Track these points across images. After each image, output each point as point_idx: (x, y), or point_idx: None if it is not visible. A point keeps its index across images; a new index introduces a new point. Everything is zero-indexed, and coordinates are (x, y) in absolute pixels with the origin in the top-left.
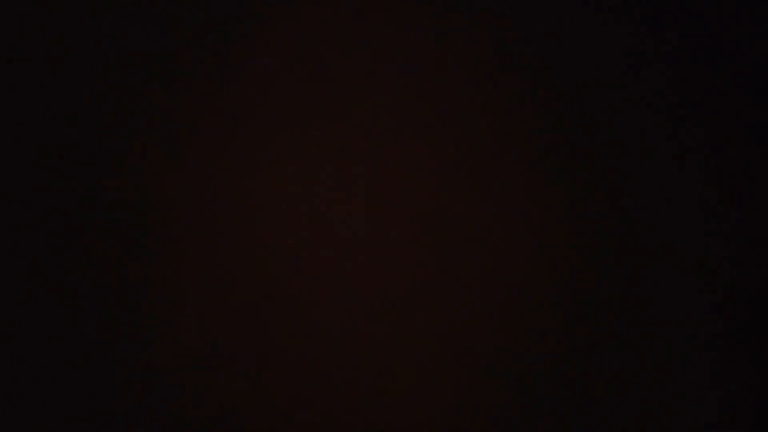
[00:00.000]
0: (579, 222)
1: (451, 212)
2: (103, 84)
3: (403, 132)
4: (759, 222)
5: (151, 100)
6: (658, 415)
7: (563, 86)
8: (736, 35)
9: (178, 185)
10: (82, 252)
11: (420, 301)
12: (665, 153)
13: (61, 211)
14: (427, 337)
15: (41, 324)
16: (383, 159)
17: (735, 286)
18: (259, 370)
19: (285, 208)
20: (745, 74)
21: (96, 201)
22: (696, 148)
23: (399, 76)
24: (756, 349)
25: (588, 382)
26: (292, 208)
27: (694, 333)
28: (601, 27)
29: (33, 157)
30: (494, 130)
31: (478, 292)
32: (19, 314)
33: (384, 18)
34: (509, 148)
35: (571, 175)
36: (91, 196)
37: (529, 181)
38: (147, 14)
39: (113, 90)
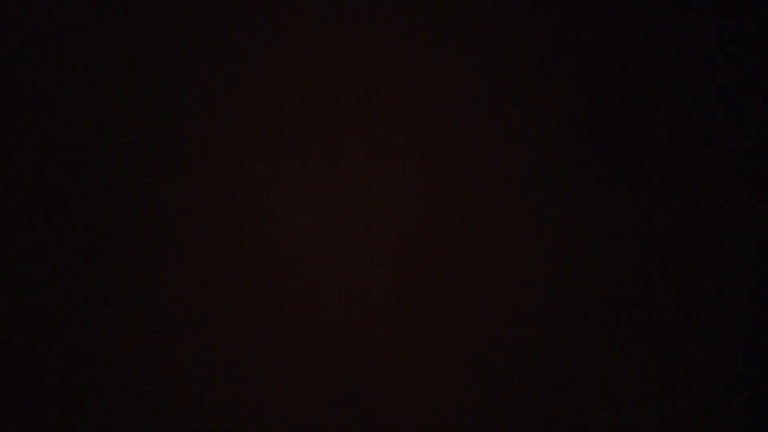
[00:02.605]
0: (584, 225)
1: (454, 214)
2: (101, 82)
3: (407, 131)
4: (762, 224)
5: (150, 98)
6: (663, 418)
7: (567, 87)
8: (738, 35)
9: (177, 183)
10: (82, 253)
11: (424, 302)
12: (669, 154)
13: (61, 212)
14: (430, 339)
15: (40, 324)
16: (384, 159)
17: (740, 287)
18: (260, 372)
19: (287, 206)
20: (749, 72)
21: (96, 202)
22: (700, 148)
23: (402, 75)
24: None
25: (591, 384)
26: (293, 207)
27: (700, 335)
28: (607, 26)
29: (31, 158)
30: (500, 129)
31: (482, 294)
32: (16, 315)
33: (386, 16)
34: (517, 147)
35: (576, 177)
36: (91, 197)
37: (535, 181)
38: (145, 12)
39: (111, 89)
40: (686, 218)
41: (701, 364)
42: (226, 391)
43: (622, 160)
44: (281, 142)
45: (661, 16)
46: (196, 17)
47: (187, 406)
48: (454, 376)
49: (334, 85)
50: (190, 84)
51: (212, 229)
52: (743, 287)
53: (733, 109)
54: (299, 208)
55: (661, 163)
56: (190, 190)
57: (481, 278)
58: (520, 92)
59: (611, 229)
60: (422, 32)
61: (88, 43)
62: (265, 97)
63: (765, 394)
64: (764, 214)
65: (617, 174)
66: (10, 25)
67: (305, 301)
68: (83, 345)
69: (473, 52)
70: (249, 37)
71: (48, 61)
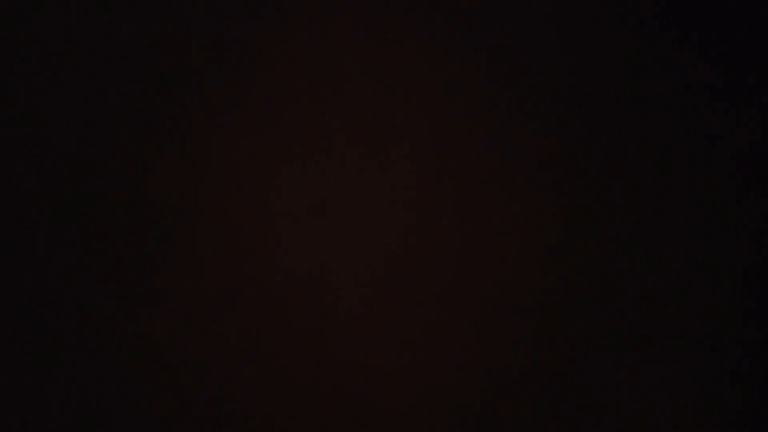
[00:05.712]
0: (585, 225)
1: (456, 215)
2: (99, 82)
3: (408, 131)
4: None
5: (150, 99)
6: (663, 417)
7: (568, 88)
8: (738, 35)
9: (178, 184)
10: (81, 254)
11: (424, 303)
12: (670, 154)
13: (60, 213)
14: (430, 340)
15: (39, 324)
16: (384, 160)
17: (740, 287)
18: (261, 373)
19: (287, 206)
20: (749, 73)
21: (95, 203)
22: (702, 148)
23: (403, 76)
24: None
25: (592, 384)
26: (295, 207)
27: (700, 335)
28: (608, 26)
29: (30, 158)
30: (500, 130)
31: (482, 295)
32: (17, 314)
33: (387, 16)
34: (517, 148)
35: (577, 177)
36: (91, 198)
37: (536, 182)
38: (143, 11)
39: (112, 89)
40: (686, 219)
41: (701, 364)
42: (227, 391)
43: (623, 161)
44: (283, 142)
45: (661, 16)
46: (195, 17)
47: (187, 408)
48: (454, 377)
49: (335, 86)
50: (188, 86)
51: (214, 230)
52: (743, 287)
53: (733, 110)
54: (300, 209)
55: (662, 164)
56: (191, 190)
57: (482, 279)
58: (521, 93)
59: (612, 230)
60: (422, 33)
61: (88, 43)
62: (267, 98)
63: (765, 394)
64: (764, 214)
65: (618, 175)
66: (9, 25)
67: (306, 302)
68: (83, 345)
69: (474, 52)
70: (248, 38)
71: (48, 61)
